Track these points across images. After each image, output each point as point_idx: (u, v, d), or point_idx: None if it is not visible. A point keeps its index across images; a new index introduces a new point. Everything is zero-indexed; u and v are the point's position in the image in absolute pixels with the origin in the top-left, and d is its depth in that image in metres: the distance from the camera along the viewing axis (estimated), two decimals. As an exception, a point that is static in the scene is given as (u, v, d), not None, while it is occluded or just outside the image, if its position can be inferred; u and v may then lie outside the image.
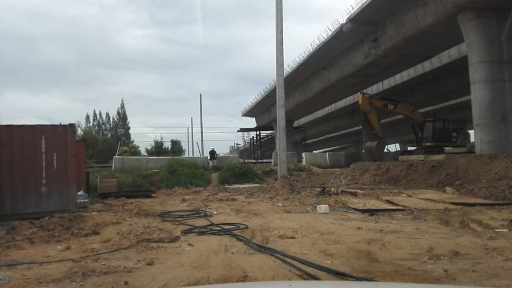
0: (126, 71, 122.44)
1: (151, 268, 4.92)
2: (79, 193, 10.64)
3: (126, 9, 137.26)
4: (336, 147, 72.02)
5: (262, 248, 5.75)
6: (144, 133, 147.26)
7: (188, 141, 65.86)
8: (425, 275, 4.31)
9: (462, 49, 22.54)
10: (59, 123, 9.84)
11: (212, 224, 8.14)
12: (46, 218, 8.07)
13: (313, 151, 53.84)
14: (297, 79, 33.44)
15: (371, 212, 9.67)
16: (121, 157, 27.79)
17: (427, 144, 23.60)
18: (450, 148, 23.11)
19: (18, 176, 8.94)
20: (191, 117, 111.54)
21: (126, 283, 4.23)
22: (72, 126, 9.74)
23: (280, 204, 11.72)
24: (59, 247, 6.22)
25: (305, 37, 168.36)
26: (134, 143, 51.44)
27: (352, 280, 4.09)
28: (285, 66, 17.94)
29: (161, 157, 29.40)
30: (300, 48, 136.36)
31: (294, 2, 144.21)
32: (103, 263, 5.10)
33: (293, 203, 11.85)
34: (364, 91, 28.41)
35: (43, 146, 9.16)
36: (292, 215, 9.56)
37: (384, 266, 4.76)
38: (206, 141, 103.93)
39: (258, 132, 52.43)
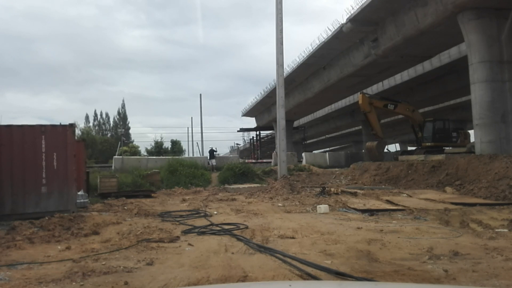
0: (125, 72, 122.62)
1: (151, 268, 4.92)
2: (79, 193, 10.63)
3: (124, 9, 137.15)
4: (336, 147, 72.00)
5: (262, 248, 5.74)
6: (143, 133, 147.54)
7: (188, 141, 65.74)
8: (425, 275, 4.31)
9: (462, 49, 22.54)
10: (59, 123, 9.86)
11: (212, 224, 8.14)
12: (46, 218, 8.07)
13: (313, 151, 53.84)
14: (297, 79, 33.44)
15: (371, 212, 9.67)
16: (121, 157, 27.78)
17: (427, 144, 23.59)
18: (450, 148, 23.11)
19: (18, 176, 8.94)
20: (191, 117, 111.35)
21: (126, 283, 4.23)
22: (72, 126, 9.74)
23: (280, 204, 11.72)
24: (59, 247, 6.22)
25: (302, 37, 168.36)
26: (134, 143, 51.50)
27: (352, 280, 4.09)
28: (285, 66, 17.95)
29: (161, 157, 29.33)
30: (297, 49, 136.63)
31: (291, 2, 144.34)
32: (103, 263, 5.10)
33: (293, 203, 11.85)
34: (364, 91, 28.40)
35: (43, 146, 9.16)
36: (292, 215, 9.56)
37: (384, 266, 4.76)
38: (206, 141, 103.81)
39: (258, 132, 52.37)
